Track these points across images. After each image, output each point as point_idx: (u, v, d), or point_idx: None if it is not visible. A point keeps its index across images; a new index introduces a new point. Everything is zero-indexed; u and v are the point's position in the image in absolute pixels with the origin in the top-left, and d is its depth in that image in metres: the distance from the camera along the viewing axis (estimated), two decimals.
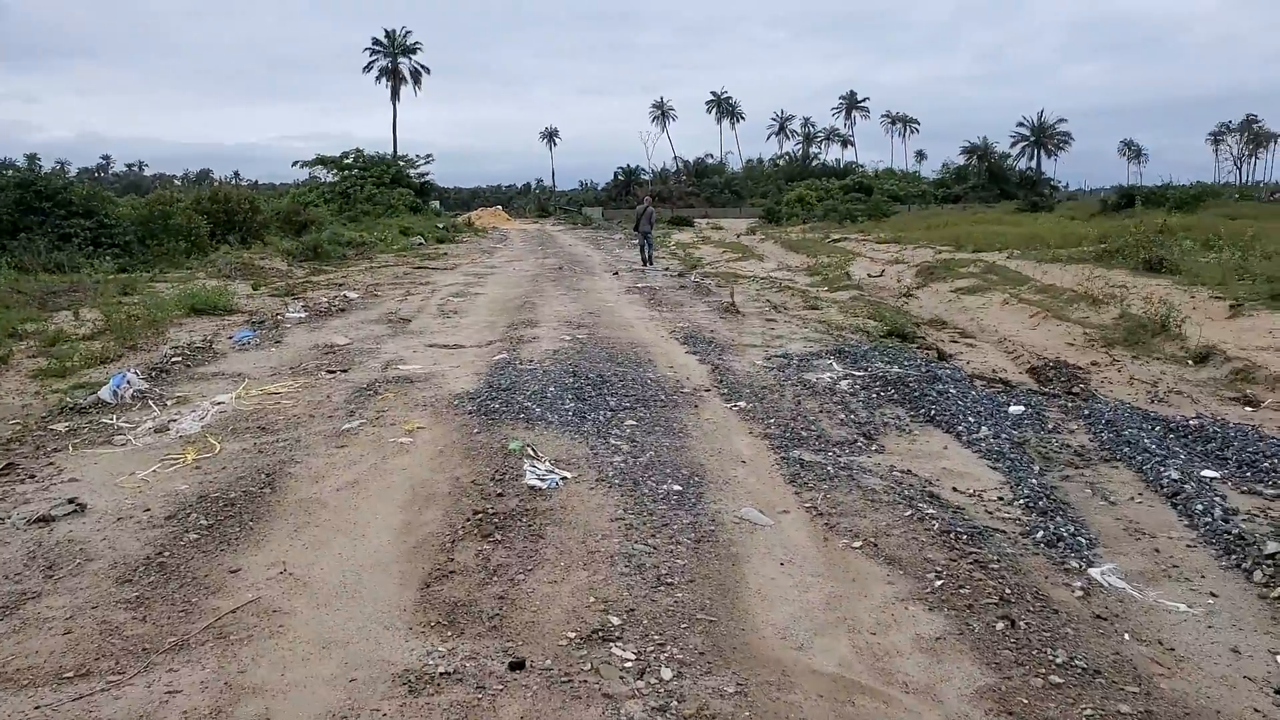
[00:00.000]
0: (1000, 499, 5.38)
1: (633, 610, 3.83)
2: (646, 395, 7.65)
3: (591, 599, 3.93)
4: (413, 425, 6.74)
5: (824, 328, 11.82)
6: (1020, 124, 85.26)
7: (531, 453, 5.95)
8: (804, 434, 6.64)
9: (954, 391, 7.79)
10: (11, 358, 9.81)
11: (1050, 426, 7.27)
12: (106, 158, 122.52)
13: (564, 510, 4.98)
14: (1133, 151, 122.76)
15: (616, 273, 21.05)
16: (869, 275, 20.04)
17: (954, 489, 5.55)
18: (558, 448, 6.14)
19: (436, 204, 59.10)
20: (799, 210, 51.40)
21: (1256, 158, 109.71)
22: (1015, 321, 12.86)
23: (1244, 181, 76.85)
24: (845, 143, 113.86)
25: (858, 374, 8.53)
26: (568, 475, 5.54)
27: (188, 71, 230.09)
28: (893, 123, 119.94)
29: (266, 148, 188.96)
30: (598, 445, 6.20)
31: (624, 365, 8.93)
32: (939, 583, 4.14)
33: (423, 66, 78.90)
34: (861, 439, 6.60)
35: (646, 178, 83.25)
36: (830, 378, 8.45)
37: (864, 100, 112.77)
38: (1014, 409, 7.71)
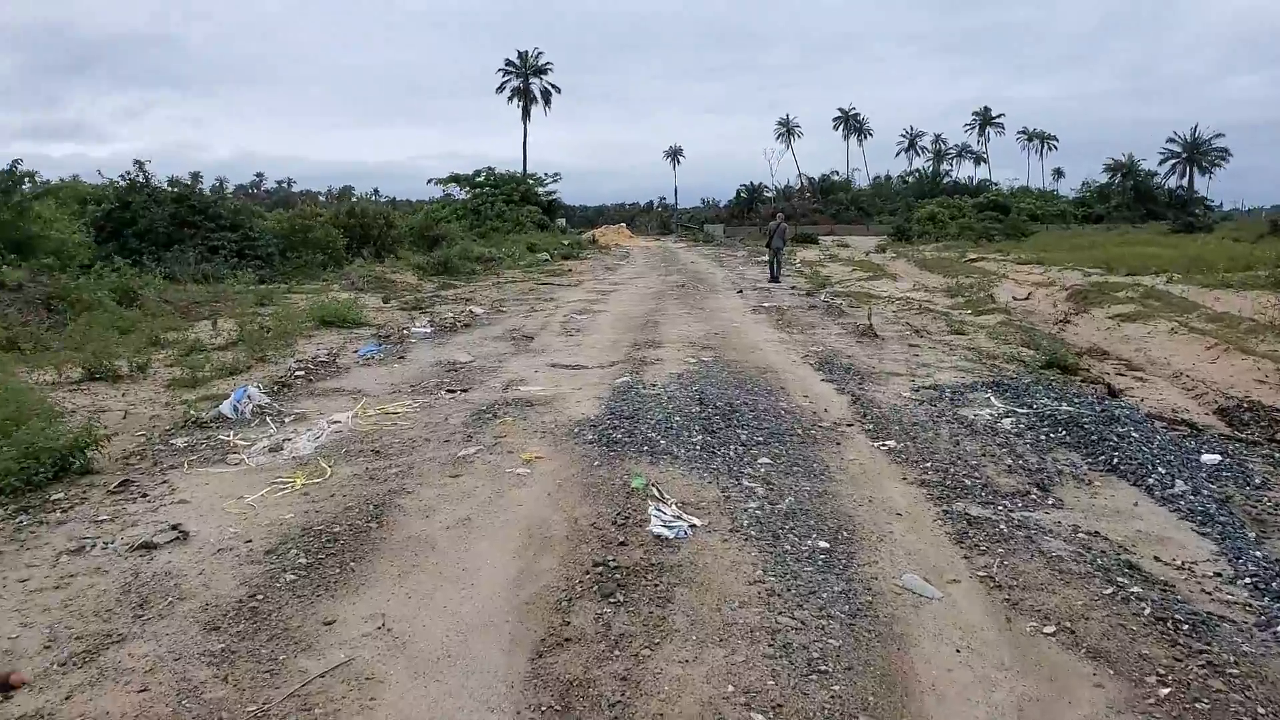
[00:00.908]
0: (1218, 575, 4.45)
1: (780, 707, 3.18)
2: (781, 429, 6.96)
3: (730, 687, 3.30)
4: (531, 454, 6.27)
5: (974, 355, 10.82)
6: (1171, 140, 79.91)
7: (656, 493, 5.36)
8: (966, 482, 5.81)
9: (1136, 435, 6.77)
10: (149, 366, 9.96)
11: (1258, 482, 6.19)
12: (260, 175, 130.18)
13: (694, 567, 4.36)
14: None
15: (741, 291, 20.35)
16: (1014, 299, 18.65)
17: (1156, 559, 4.64)
18: (685, 488, 5.54)
19: (563, 221, 59.78)
20: (930, 228, 49.37)
21: None
22: (1189, 353, 11.48)
23: None
24: (978, 160, 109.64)
25: (1021, 411, 7.59)
26: (697, 523, 4.92)
27: (335, 95, 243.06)
28: (1029, 139, 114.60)
29: (404, 166, 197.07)
30: (729, 486, 5.57)
31: (754, 393, 8.26)
32: (1164, 691, 3.31)
33: (553, 86, 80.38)
34: (1035, 490, 5.73)
35: (770, 195, 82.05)
36: (990, 414, 7.55)
37: (999, 116, 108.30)
38: (1208, 458, 6.64)
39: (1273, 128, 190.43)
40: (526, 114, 78.62)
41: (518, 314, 15.80)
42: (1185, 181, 79.08)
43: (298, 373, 9.70)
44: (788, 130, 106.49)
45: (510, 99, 79.61)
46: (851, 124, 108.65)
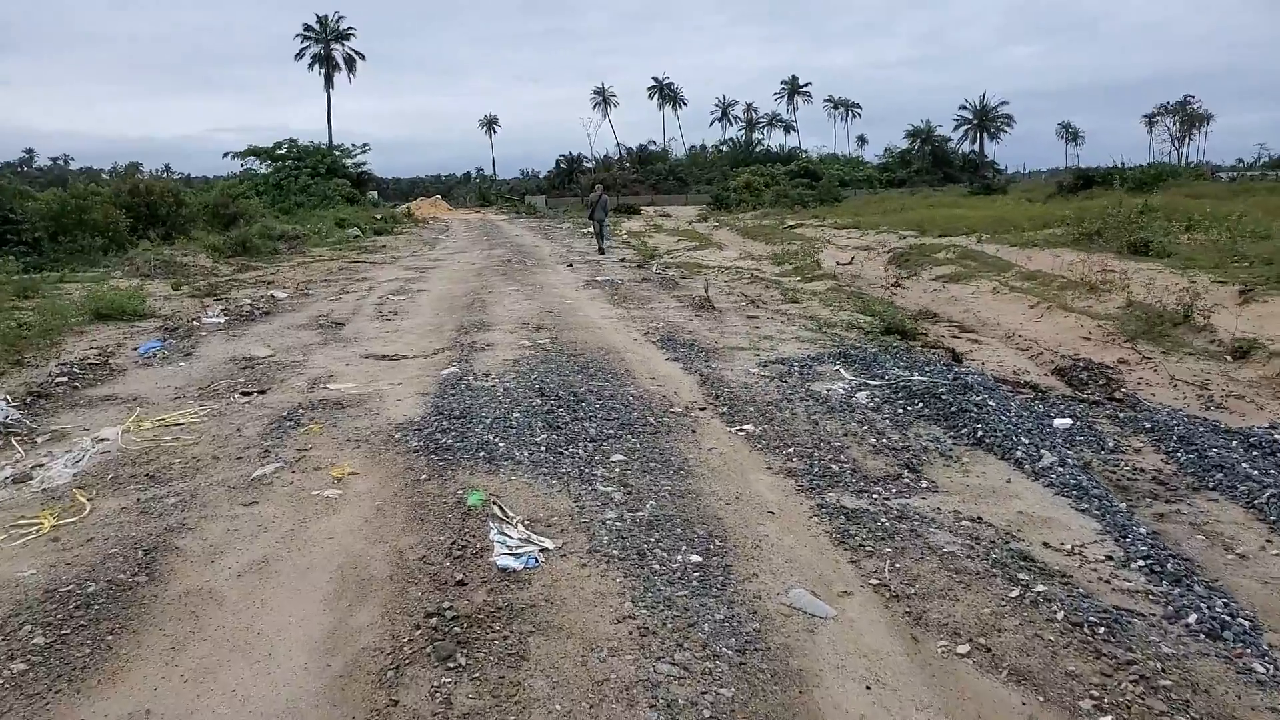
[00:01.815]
0: (1110, 559, 4.17)
1: None
2: (632, 418, 6.30)
3: None
4: (343, 470, 5.31)
5: (813, 325, 10.58)
6: (963, 107, 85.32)
7: (498, 510, 4.57)
8: (834, 468, 5.37)
9: (993, 404, 6.59)
10: None
11: (1110, 445, 6.13)
12: (29, 151, 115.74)
13: (551, 605, 3.62)
14: (1070, 134, 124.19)
15: (571, 265, 19.59)
16: (839, 264, 18.91)
17: (1046, 545, 4.32)
18: (532, 499, 4.77)
19: (374, 195, 56.81)
20: (747, 196, 50.28)
21: (1190, 138, 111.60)
22: (1015, 313, 11.78)
23: (1181, 162, 77.86)
24: (788, 128, 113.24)
25: (874, 384, 7.30)
26: (549, 545, 4.18)
27: (115, 63, 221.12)
28: (835, 107, 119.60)
29: (200, 139, 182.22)
30: (582, 494, 4.85)
31: (598, 378, 7.56)
32: (1105, 719, 2.90)
33: (356, 53, 76.07)
34: (906, 472, 5.35)
35: (590, 165, 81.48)
36: (843, 389, 7.20)
37: (806, 85, 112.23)
38: (1059, 422, 6.57)
39: (1044, 97, 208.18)
40: (330, 82, 74.14)
41: (326, 297, 14.38)
42: (977, 146, 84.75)
43: (59, 379, 8.15)
44: (604, 99, 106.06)
45: (311, 66, 74.81)
46: (666, 93, 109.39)
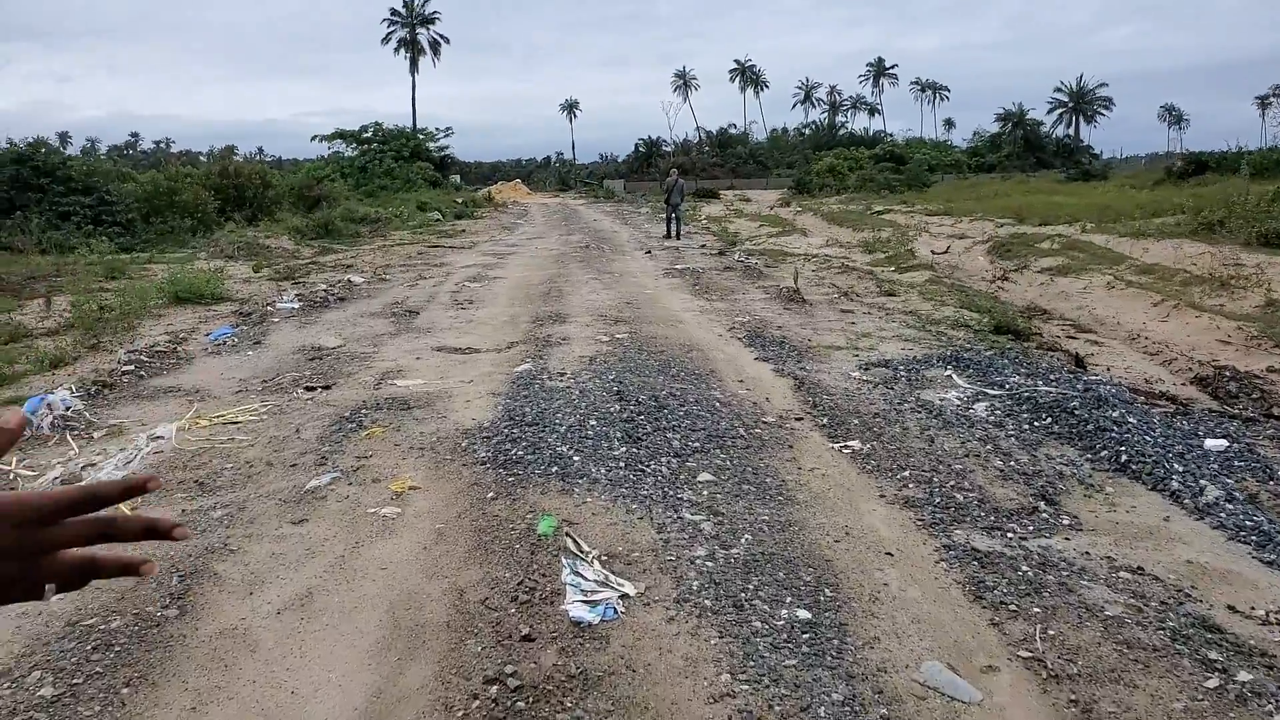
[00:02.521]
0: None
1: None
2: (720, 429, 5.66)
3: None
4: (403, 484, 4.81)
5: (915, 321, 9.75)
6: (1058, 89, 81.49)
7: (571, 542, 4.00)
8: (959, 497, 4.64)
9: (1133, 421, 5.74)
10: None
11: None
12: (135, 135, 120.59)
13: (633, 673, 3.03)
14: (1174, 116, 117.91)
15: (650, 251, 18.98)
16: (934, 253, 17.86)
17: (1232, 609, 3.54)
18: (609, 528, 4.19)
19: (456, 178, 57.10)
20: (831, 181, 48.84)
21: None
22: (1135, 311, 10.73)
23: None
24: (872, 111, 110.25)
25: (993, 393, 6.50)
26: (630, 590, 3.58)
27: (214, 50, 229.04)
28: (922, 90, 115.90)
29: (289, 124, 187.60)
30: (667, 523, 4.24)
31: (681, 379, 6.94)
32: None
33: (441, 36, 76.70)
34: (1042, 504, 4.60)
35: (669, 149, 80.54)
36: (958, 399, 6.43)
37: (892, 67, 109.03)
38: (1212, 444, 5.68)
39: (1144, 78, 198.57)
40: (415, 66, 74.85)
41: (402, 283, 14.07)
42: (1072, 130, 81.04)
43: (127, 367, 7.91)
44: (684, 83, 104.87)
45: (397, 50, 75.71)
46: (748, 76, 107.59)
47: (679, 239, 22.21)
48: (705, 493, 4.63)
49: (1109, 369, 7.91)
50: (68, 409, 6.43)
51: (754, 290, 12.52)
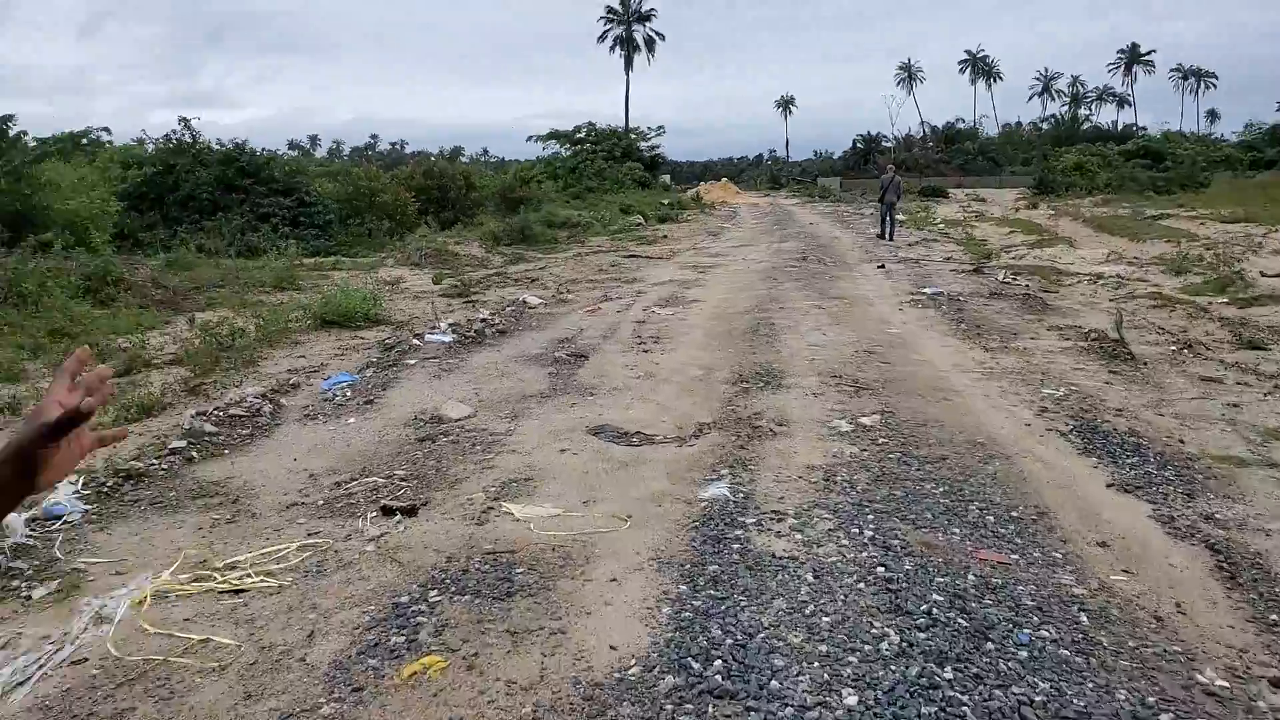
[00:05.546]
0: None
1: None
2: (1098, 690, 2.57)
3: None
4: None
5: None
6: None
7: None
8: None
9: None
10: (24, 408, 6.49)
11: None
12: (374, 137, 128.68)
13: None
14: None
15: (884, 265, 15.53)
16: (1262, 274, 13.37)
17: None
18: None
19: (666, 178, 55.44)
20: (1078, 179, 42.51)
21: None
22: None
23: None
24: (1122, 102, 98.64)
25: None
26: None
27: (448, 57, 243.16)
28: (1184, 78, 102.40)
29: (510, 125, 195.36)
30: None
31: (992, 537, 3.84)
32: None
33: (657, 33, 75.66)
34: None
35: (889, 145, 75.21)
36: None
37: (1148, 54, 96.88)
38: None
39: None
40: (629, 64, 74.25)
41: (583, 305, 11.66)
42: None
43: (177, 443, 5.79)
44: (909, 75, 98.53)
45: (612, 48, 75.44)
46: (980, 67, 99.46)
47: (892, 239, 20.95)
48: None
49: None
50: (20, 537, 4.26)
51: (1043, 331, 9.03)
